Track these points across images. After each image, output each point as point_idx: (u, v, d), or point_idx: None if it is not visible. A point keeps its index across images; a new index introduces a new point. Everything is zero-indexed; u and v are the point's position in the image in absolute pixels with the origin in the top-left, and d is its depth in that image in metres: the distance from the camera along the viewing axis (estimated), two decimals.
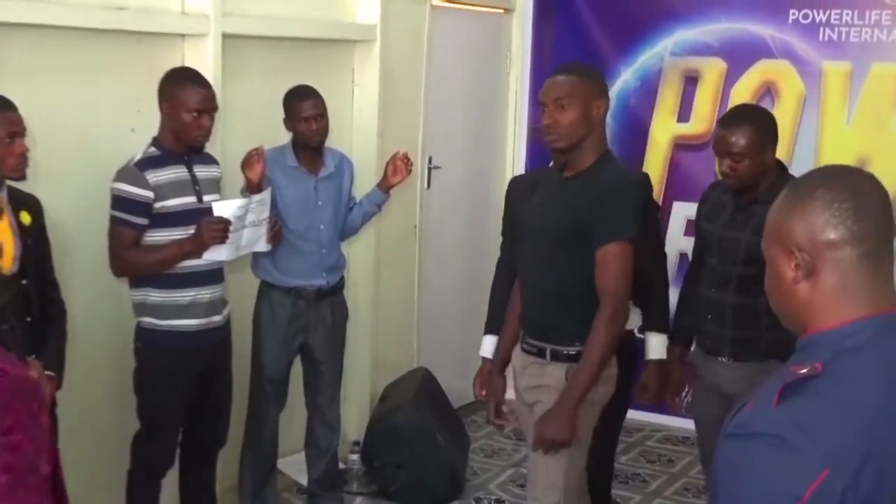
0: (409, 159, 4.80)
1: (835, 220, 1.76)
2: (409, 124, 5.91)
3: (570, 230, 3.47)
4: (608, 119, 6.16)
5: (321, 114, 4.58)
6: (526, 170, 6.66)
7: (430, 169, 6.21)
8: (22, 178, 3.47)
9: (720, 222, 3.98)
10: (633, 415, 5.22)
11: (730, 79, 6.06)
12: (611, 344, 3.46)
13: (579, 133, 3.48)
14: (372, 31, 5.56)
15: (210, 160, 4.25)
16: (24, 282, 3.48)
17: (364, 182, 5.13)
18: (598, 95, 3.54)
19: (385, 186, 4.80)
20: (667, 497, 5.51)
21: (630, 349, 4.15)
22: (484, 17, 6.70)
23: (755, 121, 3.87)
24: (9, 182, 3.49)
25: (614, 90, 6.32)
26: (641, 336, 4.29)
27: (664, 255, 4.42)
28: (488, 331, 4.29)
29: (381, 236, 5.78)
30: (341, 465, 5.28)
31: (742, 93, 6.00)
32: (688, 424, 4.80)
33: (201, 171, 4.14)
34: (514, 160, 6.83)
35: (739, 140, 3.76)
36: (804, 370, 1.72)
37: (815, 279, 1.80)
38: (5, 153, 3.37)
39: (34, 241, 3.54)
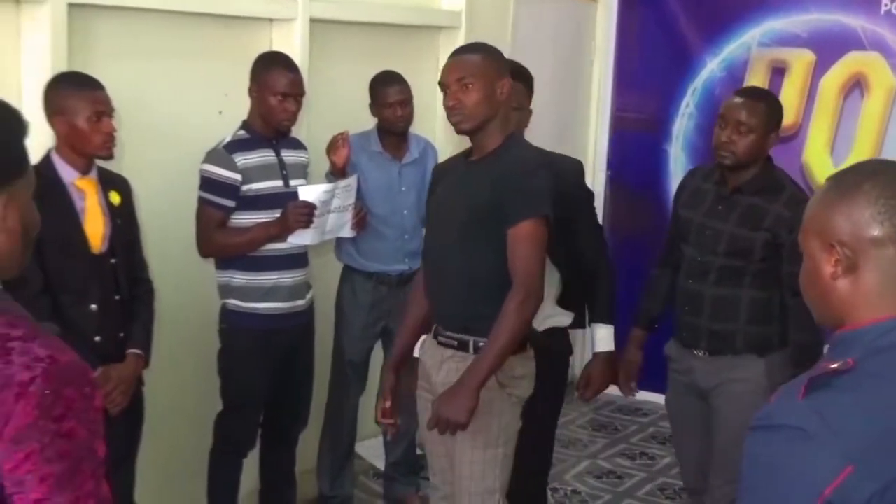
0: None
1: (880, 217, 1.68)
2: None
3: (477, 215, 3.31)
4: (693, 109, 6.25)
5: (406, 100, 4.59)
6: (608, 160, 6.63)
7: None
8: (109, 157, 3.51)
9: (701, 210, 3.87)
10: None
11: (818, 71, 5.96)
12: (521, 327, 3.26)
13: (484, 113, 3.31)
14: (457, 17, 5.57)
15: (298, 145, 4.28)
16: (113, 261, 3.52)
17: None
18: (501, 75, 3.36)
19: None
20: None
21: (560, 349, 4.02)
22: (569, 5, 6.65)
23: (772, 103, 3.85)
24: (98, 163, 3.54)
25: (699, 80, 6.26)
26: (577, 329, 4.12)
27: (604, 243, 4.17)
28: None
29: None
30: (418, 451, 5.29)
31: (830, 85, 5.90)
32: None
33: (289, 156, 4.17)
34: (597, 149, 6.79)
35: (752, 112, 3.71)
36: (835, 365, 1.67)
37: (854, 276, 1.72)
38: (92, 132, 3.41)
39: (123, 221, 3.58)
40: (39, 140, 3.30)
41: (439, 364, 3.46)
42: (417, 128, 4.83)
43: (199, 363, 4.37)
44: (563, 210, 3.76)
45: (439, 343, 3.48)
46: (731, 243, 3.75)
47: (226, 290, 4.15)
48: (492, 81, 3.32)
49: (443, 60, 5.55)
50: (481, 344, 3.31)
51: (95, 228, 3.46)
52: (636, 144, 6.65)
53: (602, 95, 6.76)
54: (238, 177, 4.00)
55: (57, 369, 1.57)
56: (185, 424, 4.42)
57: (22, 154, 1.73)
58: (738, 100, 3.79)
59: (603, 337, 4.07)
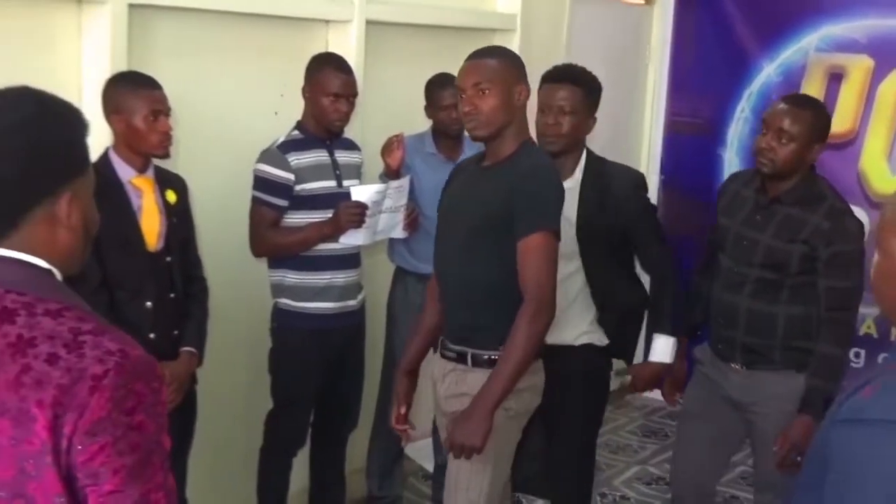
0: None
1: None
2: None
3: (485, 223, 3.23)
4: (748, 114, 6.19)
5: None
6: (662, 164, 6.59)
7: None
8: (165, 156, 3.53)
9: (738, 219, 3.79)
10: None
11: (876, 77, 5.88)
12: (533, 344, 3.16)
13: (501, 120, 3.23)
14: (513, 20, 5.56)
15: (352, 146, 4.30)
16: (168, 259, 3.55)
17: None
18: (518, 80, 3.29)
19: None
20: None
21: (599, 365, 4.00)
22: (625, 9, 6.64)
23: (819, 112, 3.72)
24: (155, 161, 3.57)
25: (755, 85, 6.21)
26: (601, 345, 3.98)
27: (669, 251, 4.06)
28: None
29: None
30: None
31: (888, 92, 5.83)
32: None
33: (342, 156, 4.19)
34: (651, 153, 6.77)
35: (796, 120, 3.59)
36: None
37: None
38: (149, 131, 3.44)
39: (179, 219, 3.61)
40: (98, 139, 3.33)
41: (442, 377, 3.42)
42: None
43: (250, 362, 4.41)
44: (623, 222, 3.81)
45: (442, 355, 3.44)
46: (767, 255, 3.66)
47: (278, 290, 4.17)
48: (509, 87, 3.25)
49: None
50: (478, 355, 3.27)
51: (151, 226, 3.49)
52: (690, 149, 6.59)
53: (657, 99, 6.73)
54: (291, 176, 4.02)
55: (128, 363, 1.60)
56: (235, 423, 4.45)
57: (84, 153, 1.76)
58: (782, 106, 3.68)
59: (661, 347, 4.03)
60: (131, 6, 3.73)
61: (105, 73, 3.59)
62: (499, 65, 3.27)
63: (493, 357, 3.24)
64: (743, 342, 3.75)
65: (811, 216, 3.61)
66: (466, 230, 3.29)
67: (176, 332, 3.59)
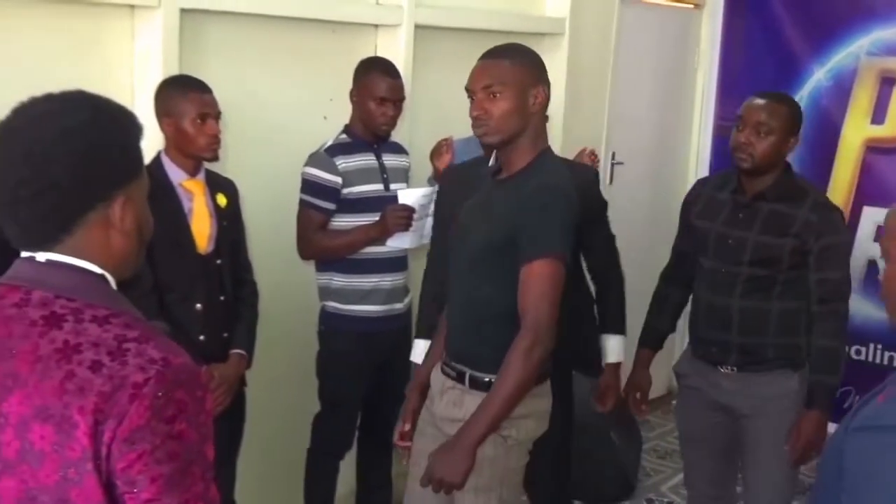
0: (596, 155, 4.77)
1: None
2: (594, 119, 5.89)
3: (492, 244, 3.01)
4: None
5: None
6: (711, 168, 6.55)
7: (613, 165, 6.17)
8: (214, 158, 3.55)
9: (719, 220, 3.73)
10: None
11: None
12: (527, 376, 2.92)
13: (513, 126, 2.99)
14: (561, 24, 5.56)
15: (399, 149, 4.31)
16: (218, 262, 3.58)
17: None
18: (536, 82, 3.02)
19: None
20: None
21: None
22: (673, 13, 6.60)
23: (793, 106, 3.73)
24: (206, 165, 3.60)
25: (806, 89, 6.15)
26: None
27: (615, 253, 4.05)
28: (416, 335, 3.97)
29: None
30: None
31: None
32: None
33: (390, 160, 4.20)
34: (699, 158, 6.72)
35: (773, 114, 3.60)
36: None
37: None
38: (197, 133, 3.46)
39: (229, 222, 3.63)
40: (149, 143, 3.37)
41: (440, 393, 3.21)
42: None
43: (298, 365, 4.42)
44: (580, 220, 3.71)
45: (442, 371, 3.24)
46: (756, 251, 3.62)
47: (325, 293, 4.19)
48: (523, 90, 3.00)
49: (547, 67, 5.60)
50: (477, 377, 3.07)
51: (202, 229, 3.52)
52: None
53: (706, 103, 6.67)
54: (339, 180, 4.04)
55: (170, 372, 1.59)
56: (283, 425, 4.48)
57: (138, 156, 1.76)
58: (758, 101, 3.67)
59: (614, 347, 3.99)
60: (183, 11, 3.77)
61: (157, 77, 3.63)
62: (512, 66, 3.01)
63: (491, 380, 3.01)
64: (738, 343, 3.69)
65: (798, 211, 3.60)
66: (473, 252, 3.09)
67: (226, 335, 3.61)
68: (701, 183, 4.02)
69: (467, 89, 3.07)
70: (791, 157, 3.80)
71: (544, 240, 2.93)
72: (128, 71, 3.80)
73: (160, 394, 1.58)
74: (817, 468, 2.00)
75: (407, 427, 3.37)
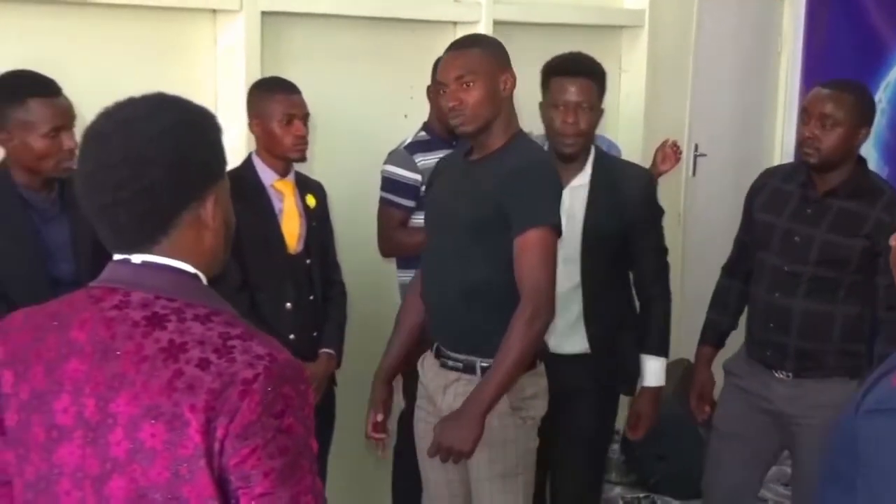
0: (678, 147, 4.72)
1: None
2: (675, 111, 5.83)
3: (477, 222, 3.03)
4: (885, 105, 6.03)
5: None
6: (795, 159, 6.46)
7: (695, 157, 6.11)
8: (301, 159, 3.57)
9: (785, 215, 3.52)
10: None
11: None
12: (529, 347, 2.96)
13: (488, 113, 3.05)
14: (640, 16, 5.51)
15: None
16: (307, 262, 3.61)
17: None
18: (504, 69, 3.10)
19: (654, 174, 4.73)
20: None
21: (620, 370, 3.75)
22: (754, 1, 6.52)
23: (862, 95, 3.48)
24: (295, 166, 3.63)
25: (893, 75, 6.05)
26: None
27: (666, 266, 3.81)
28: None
29: None
30: None
31: None
32: None
33: None
34: (783, 148, 6.64)
35: (839, 105, 3.37)
36: None
37: None
38: (283, 134, 3.48)
39: (318, 223, 3.66)
40: (232, 145, 3.40)
41: (443, 388, 3.20)
42: (600, 128, 4.77)
43: None
44: (625, 226, 3.59)
45: (441, 365, 3.22)
46: (823, 251, 3.42)
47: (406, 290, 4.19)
48: (493, 77, 3.07)
49: (626, 59, 5.57)
50: (486, 366, 3.04)
51: (292, 229, 3.55)
52: None
53: (790, 89, 6.59)
54: (418, 177, 4.03)
55: (276, 367, 1.61)
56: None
57: (223, 155, 1.79)
58: (822, 91, 3.44)
59: (653, 370, 3.73)
60: (264, 14, 3.80)
61: (239, 80, 3.68)
62: (482, 55, 3.09)
63: None
64: (796, 347, 3.50)
65: (870, 210, 3.40)
66: (458, 232, 3.09)
67: (315, 334, 3.64)
68: (768, 173, 3.81)
69: (438, 82, 3.17)
70: (873, 148, 3.68)
71: (536, 210, 2.99)
72: (211, 74, 3.84)
73: (269, 389, 1.60)
74: (826, 451, 1.96)
75: (379, 418, 3.38)
